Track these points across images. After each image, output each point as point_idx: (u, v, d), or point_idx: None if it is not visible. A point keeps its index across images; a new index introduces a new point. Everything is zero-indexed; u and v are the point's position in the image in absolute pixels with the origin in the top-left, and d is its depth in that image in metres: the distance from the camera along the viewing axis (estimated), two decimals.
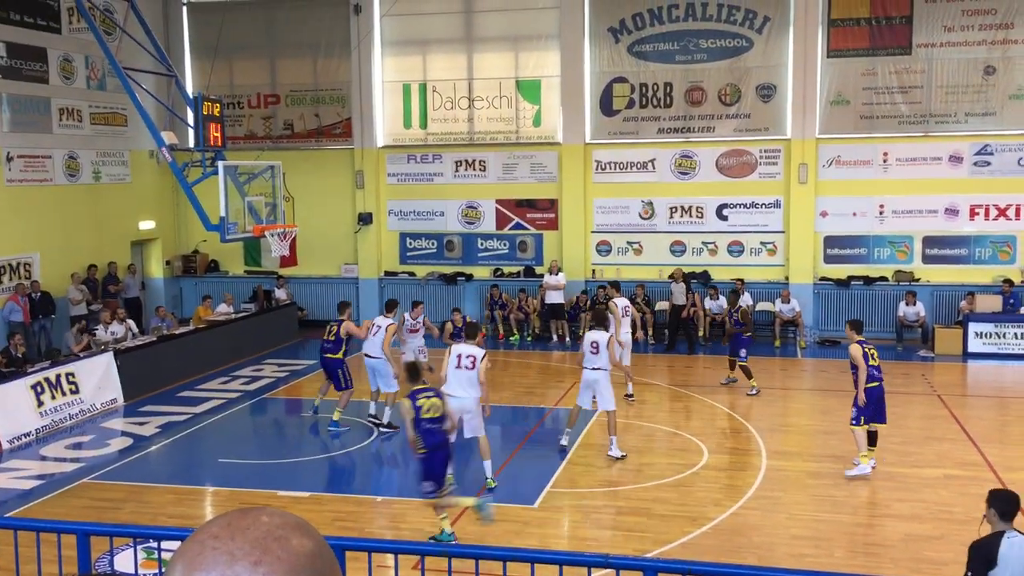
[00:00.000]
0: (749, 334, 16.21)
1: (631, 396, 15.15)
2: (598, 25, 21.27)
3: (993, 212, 19.87)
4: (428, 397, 9.50)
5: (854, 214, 20.47)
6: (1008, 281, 19.21)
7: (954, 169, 19.95)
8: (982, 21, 19.49)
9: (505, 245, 22.43)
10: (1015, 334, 18.49)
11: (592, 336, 12.45)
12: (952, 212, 20.03)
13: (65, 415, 14.46)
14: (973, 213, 19.97)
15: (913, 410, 14.82)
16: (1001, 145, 19.68)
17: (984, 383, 17.58)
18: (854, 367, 11.57)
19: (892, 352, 19.15)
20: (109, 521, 10.39)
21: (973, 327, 18.70)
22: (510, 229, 22.37)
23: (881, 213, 20.37)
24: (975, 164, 19.87)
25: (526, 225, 22.26)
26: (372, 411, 13.89)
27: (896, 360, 18.54)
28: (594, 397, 12.45)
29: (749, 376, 15.82)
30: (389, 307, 14.28)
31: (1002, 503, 6.10)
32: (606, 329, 12.71)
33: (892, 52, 19.97)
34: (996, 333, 18.59)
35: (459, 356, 11.04)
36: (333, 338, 13.92)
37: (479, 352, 11.11)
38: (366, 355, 13.78)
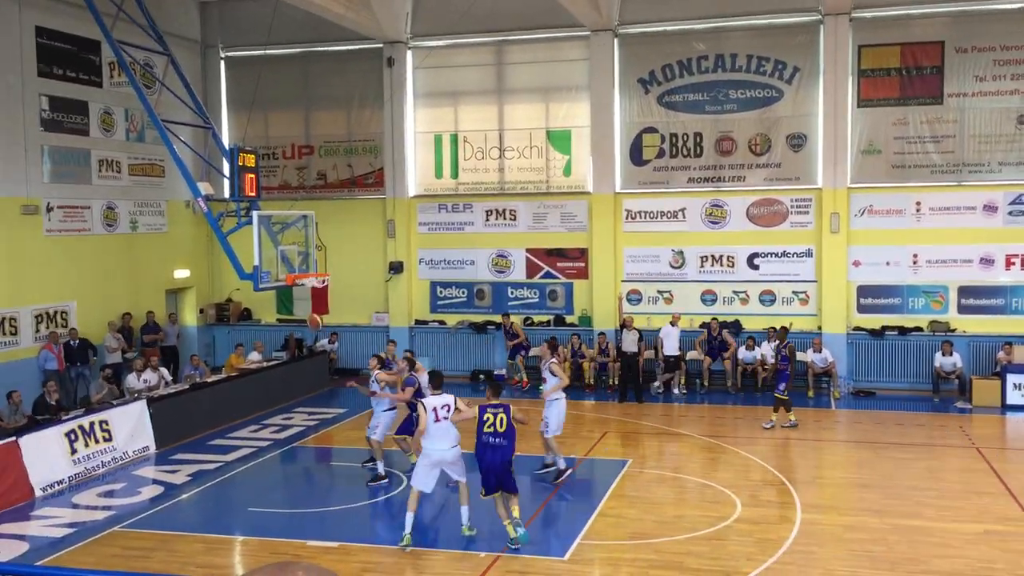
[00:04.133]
0: (789, 370, 16.83)
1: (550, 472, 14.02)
2: (628, 76, 21.45)
3: None
4: (495, 413, 10.65)
5: (887, 263, 20.31)
6: None
7: (989, 218, 19.77)
8: (1014, 71, 19.43)
9: (535, 294, 22.46)
10: None
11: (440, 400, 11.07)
12: (987, 261, 19.81)
13: (98, 463, 14.54)
14: (1009, 263, 19.74)
15: (951, 463, 14.52)
16: None
17: (1023, 436, 17.20)
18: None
19: (929, 404, 18.86)
20: (138, 571, 10.40)
21: (1012, 378, 18.36)
22: (540, 278, 22.41)
23: (915, 263, 20.18)
24: (1010, 213, 19.68)
25: (556, 274, 22.30)
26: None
27: (933, 412, 18.25)
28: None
29: (788, 409, 16.43)
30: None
31: None
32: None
33: (923, 102, 19.94)
34: None
35: (435, 410, 10.84)
36: None
37: (451, 399, 10.97)
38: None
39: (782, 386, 16.63)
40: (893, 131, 20.15)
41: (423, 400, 11.20)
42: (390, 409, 13.87)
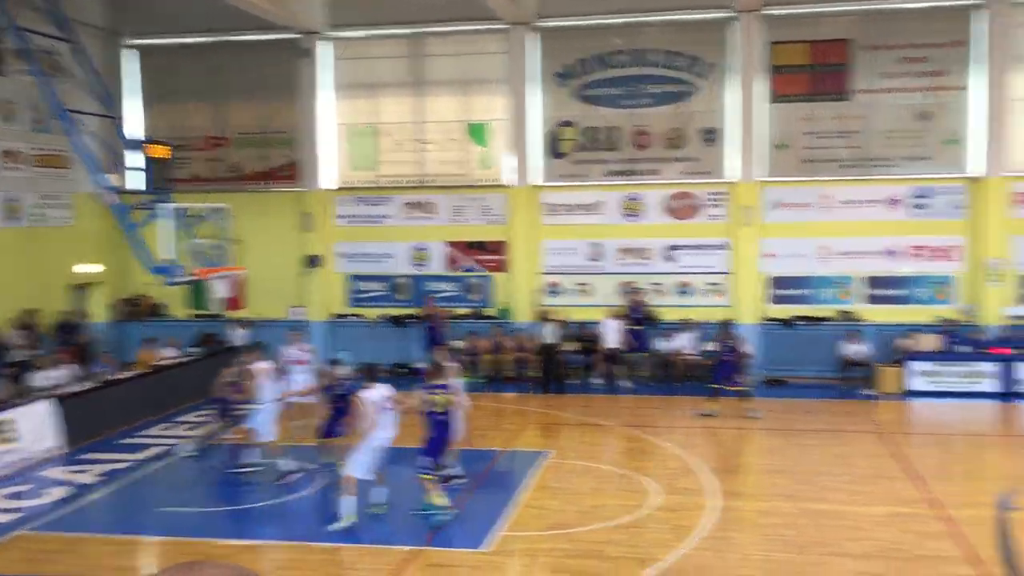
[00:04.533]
0: (735, 361, 17.44)
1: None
2: (546, 70, 21.55)
3: (930, 253, 20.37)
4: (437, 393, 11.60)
5: (798, 255, 20.85)
6: (948, 320, 19.68)
7: (893, 212, 20.45)
8: (916, 68, 20.12)
9: (455, 287, 22.42)
10: (954, 372, 18.89)
11: None
12: (892, 253, 20.50)
13: (2, 463, 14.01)
14: (911, 254, 20.45)
15: (858, 448, 15.00)
16: (937, 188, 20.24)
17: (926, 421, 17.89)
18: None
19: (835, 391, 19.43)
20: (44, 574, 10.07)
21: (914, 366, 19.07)
22: (460, 271, 22.38)
23: (824, 255, 20.76)
24: (913, 207, 20.39)
25: (476, 267, 22.29)
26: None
27: (840, 399, 18.81)
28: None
29: (746, 398, 17.30)
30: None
31: None
32: None
33: (832, 98, 20.50)
34: (936, 372, 18.98)
35: (378, 401, 11.31)
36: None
37: (390, 388, 11.66)
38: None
39: (730, 378, 17.19)
40: (803, 126, 20.67)
41: (361, 395, 11.40)
42: (271, 403, 13.84)
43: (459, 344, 20.76)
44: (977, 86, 19.79)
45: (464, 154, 22.20)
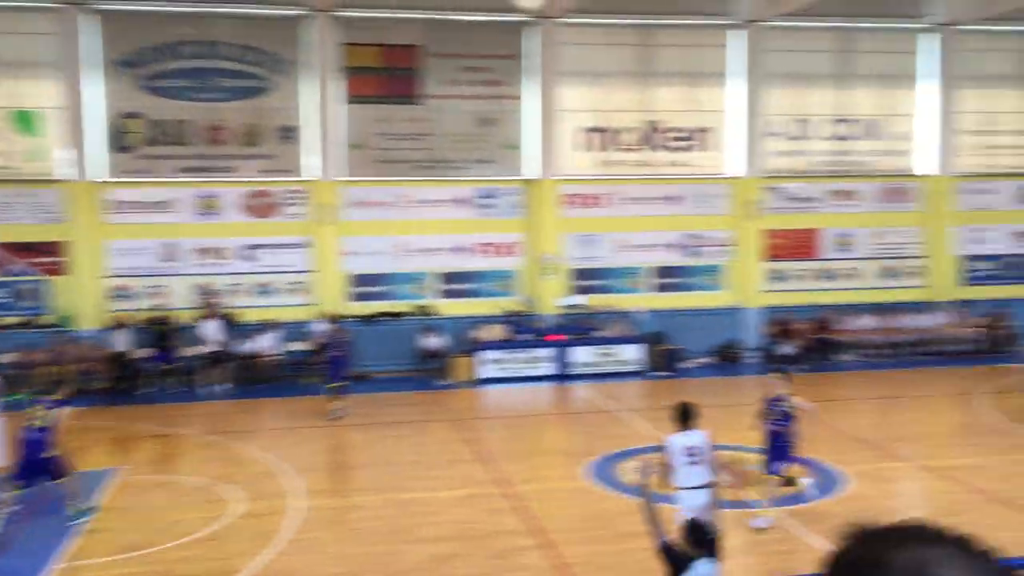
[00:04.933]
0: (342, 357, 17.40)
1: None
2: (106, 56, 19.91)
3: (495, 250, 22.02)
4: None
5: (377, 253, 21.42)
6: (513, 312, 21.42)
7: (461, 211, 21.78)
8: (479, 77, 21.58)
9: (3, 293, 19.93)
10: (518, 359, 20.61)
11: None
12: (462, 250, 21.83)
13: None
14: (479, 251, 21.95)
15: (436, 436, 15.77)
16: (499, 190, 21.91)
17: (495, 405, 19.31)
18: None
19: (415, 383, 20.27)
20: None
21: (484, 355, 20.50)
22: (9, 276, 19.94)
23: (401, 252, 21.54)
24: (479, 206, 21.88)
25: (29, 270, 20.00)
26: None
27: (419, 390, 19.66)
28: None
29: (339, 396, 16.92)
30: None
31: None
32: None
33: (404, 101, 21.31)
34: (503, 359, 20.58)
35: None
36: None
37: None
38: None
39: (339, 374, 17.06)
40: (378, 128, 21.25)
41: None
42: None
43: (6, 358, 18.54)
44: (529, 96, 21.71)
45: (8, 144, 19.79)
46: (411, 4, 20.82)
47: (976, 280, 23.71)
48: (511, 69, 21.66)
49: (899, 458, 13.89)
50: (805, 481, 11.61)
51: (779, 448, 10.75)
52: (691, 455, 8.89)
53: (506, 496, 12.29)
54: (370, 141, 21.23)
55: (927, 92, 23.12)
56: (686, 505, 8.69)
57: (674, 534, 6.72)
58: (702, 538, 6.44)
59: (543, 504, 11.93)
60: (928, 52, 23.08)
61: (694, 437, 8.97)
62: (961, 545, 1.17)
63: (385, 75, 21.19)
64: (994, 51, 23.46)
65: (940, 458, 13.79)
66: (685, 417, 9.04)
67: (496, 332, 20.96)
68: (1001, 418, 16.30)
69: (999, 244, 23.84)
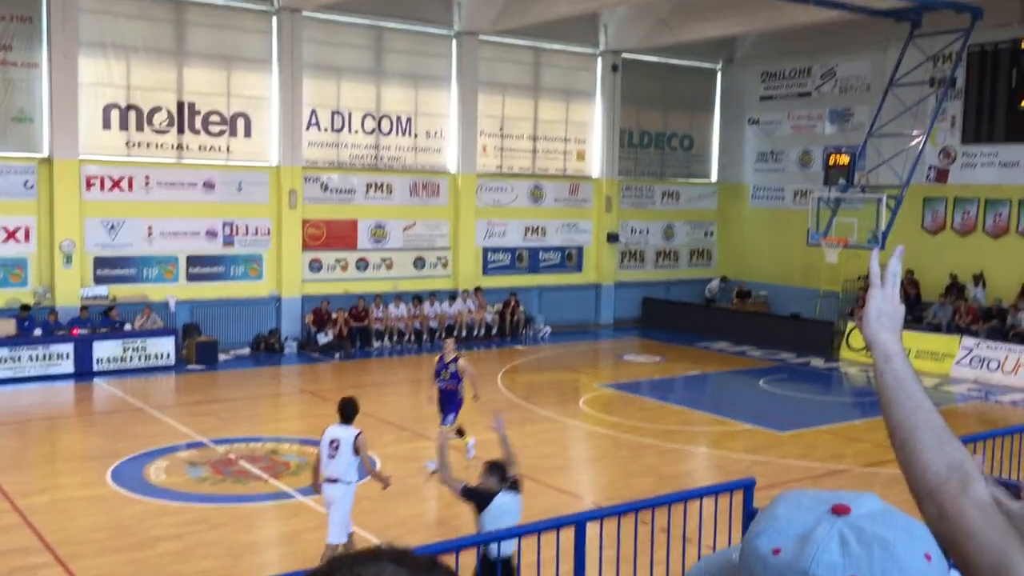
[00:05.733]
0: None
1: None
2: None
3: (3, 235, 19.51)
4: None
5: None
6: (25, 306, 19.11)
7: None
8: None
9: None
10: (30, 356, 18.48)
11: None
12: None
13: None
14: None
15: None
16: (6, 167, 19.44)
17: (2, 410, 17.09)
18: None
19: None
20: None
21: None
22: None
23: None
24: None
25: None
26: None
27: None
28: None
29: None
30: None
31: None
32: None
33: None
34: (12, 357, 18.32)
35: None
36: None
37: None
38: None
39: None
40: None
41: None
42: None
43: None
44: (47, 66, 19.50)
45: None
46: None
47: (493, 270, 26.03)
48: (26, 33, 19.30)
49: (428, 437, 14.77)
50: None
51: (451, 404, 12.52)
52: (332, 448, 8.85)
53: (12, 511, 10.95)
54: None
55: (456, 95, 24.83)
56: (327, 495, 8.86)
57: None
58: (503, 475, 7.34)
59: (58, 516, 10.83)
60: (455, 57, 24.79)
61: (340, 431, 8.90)
62: (402, 561, 1.21)
63: None
64: (509, 61, 25.88)
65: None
66: (344, 413, 8.99)
67: (5, 327, 18.58)
68: (510, 395, 18.08)
69: (513, 237, 26.40)
